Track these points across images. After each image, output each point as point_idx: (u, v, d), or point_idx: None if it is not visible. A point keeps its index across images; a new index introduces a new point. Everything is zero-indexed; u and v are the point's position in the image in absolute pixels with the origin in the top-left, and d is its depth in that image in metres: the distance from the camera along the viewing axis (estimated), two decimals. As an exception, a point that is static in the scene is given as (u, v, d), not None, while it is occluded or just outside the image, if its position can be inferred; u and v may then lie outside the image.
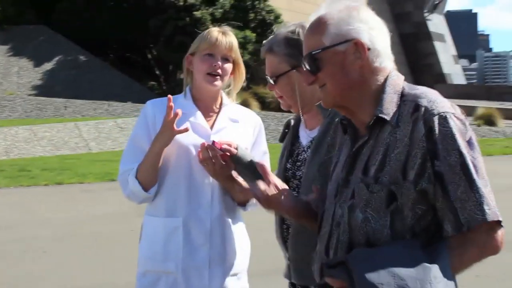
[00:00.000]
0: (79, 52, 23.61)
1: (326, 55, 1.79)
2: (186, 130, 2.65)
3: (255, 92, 22.63)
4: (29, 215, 9.00)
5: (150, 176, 2.69)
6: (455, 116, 1.73)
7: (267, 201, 1.94)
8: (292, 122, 2.69)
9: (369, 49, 1.78)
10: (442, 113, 1.72)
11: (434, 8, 42.59)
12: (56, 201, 10.08)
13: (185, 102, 2.78)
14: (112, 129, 16.75)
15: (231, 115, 2.82)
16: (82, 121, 16.72)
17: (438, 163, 1.68)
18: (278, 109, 21.72)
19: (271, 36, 2.57)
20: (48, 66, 23.00)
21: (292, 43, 2.50)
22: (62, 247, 7.16)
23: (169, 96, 2.68)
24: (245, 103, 20.10)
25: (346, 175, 1.83)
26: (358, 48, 1.78)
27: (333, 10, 1.82)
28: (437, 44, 41.51)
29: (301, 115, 2.62)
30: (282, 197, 1.95)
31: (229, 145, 2.57)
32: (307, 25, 2.55)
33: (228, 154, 2.57)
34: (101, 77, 23.13)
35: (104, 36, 24.14)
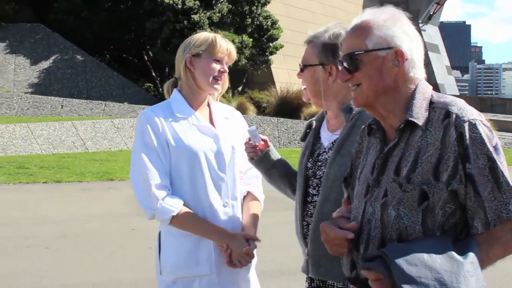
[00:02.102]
0: (76, 51, 23.62)
1: (367, 57, 1.92)
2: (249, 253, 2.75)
3: (251, 96, 22.74)
4: (29, 212, 9.05)
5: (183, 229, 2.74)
6: (483, 123, 1.87)
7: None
8: (314, 123, 2.81)
9: (407, 59, 1.91)
10: (471, 120, 1.85)
11: (428, 19, 42.88)
12: (56, 199, 10.13)
13: (181, 107, 2.83)
14: (108, 129, 16.80)
15: (221, 113, 2.95)
16: (79, 120, 16.76)
17: (469, 165, 1.82)
18: (273, 113, 21.85)
19: (321, 29, 2.70)
20: (44, 64, 23.00)
21: (328, 44, 2.63)
22: (62, 245, 7.22)
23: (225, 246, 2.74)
24: (241, 107, 20.18)
25: (377, 176, 1.95)
26: (398, 56, 1.91)
27: (378, 16, 1.94)
28: (431, 55, 41.80)
29: (326, 115, 2.75)
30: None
31: (265, 140, 2.84)
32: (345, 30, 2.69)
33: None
34: (98, 77, 23.15)
35: (101, 36, 24.16)
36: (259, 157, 2.84)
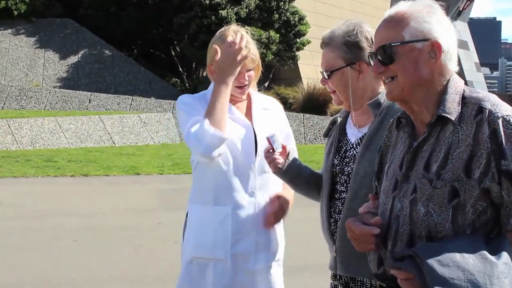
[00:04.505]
0: (104, 46, 23.80)
1: (403, 49, 1.88)
2: (246, 57, 2.78)
3: (277, 92, 22.69)
4: (57, 205, 9.14)
5: (224, 114, 2.76)
6: None
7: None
8: (339, 119, 2.76)
9: (444, 51, 1.87)
10: (506, 116, 1.81)
11: (458, 15, 42.40)
12: (83, 192, 10.23)
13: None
14: (135, 123, 16.91)
15: (260, 104, 2.97)
16: (106, 115, 16.89)
17: (505, 162, 1.77)
18: (300, 109, 21.77)
19: (330, 31, 2.65)
20: (73, 59, 23.21)
21: (349, 42, 2.58)
22: (89, 238, 7.28)
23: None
24: (267, 103, 20.14)
25: (406, 171, 1.91)
26: (434, 48, 1.87)
27: (414, 8, 1.90)
28: (460, 51, 41.35)
29: (351, 111, 2.71)
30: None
31: (284, 147, 2.74)
32: (364, 25, 2.64)
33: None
34: (125, 72, 23.31)
35: (129, 31, 24.30)
36: (282, 169, 2.77)
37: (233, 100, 2.92)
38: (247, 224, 2.85)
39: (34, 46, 23.26)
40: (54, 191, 10.26)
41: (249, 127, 2.87)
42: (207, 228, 2.85)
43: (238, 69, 2.79)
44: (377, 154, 2.19)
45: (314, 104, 20.68)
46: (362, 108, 2.66)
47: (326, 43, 2.66)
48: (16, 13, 23.52)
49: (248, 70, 2.88)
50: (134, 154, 14.12)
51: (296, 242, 6.04)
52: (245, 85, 2.89)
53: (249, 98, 2.97)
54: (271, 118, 2.95)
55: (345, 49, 2.59)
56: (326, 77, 2.65)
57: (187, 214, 2.97)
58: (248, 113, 2.93)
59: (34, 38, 23.49)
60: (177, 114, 2.98)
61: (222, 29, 2.92)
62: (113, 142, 16.06)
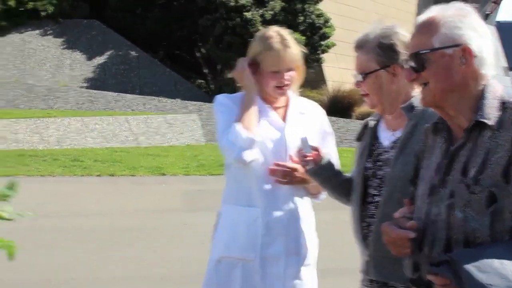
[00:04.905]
0: (130, 47, 23.97)
1: (434, 56, 1.87)
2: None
3: (302, 95, 22.65)
4: (84, 204, 9.23)
5: (254, 117, 2.82)
6: None
7: None
8: (371, 122, 2.76)
9: (475, 56, 1.86)
10: None
11: (485, 19, 42.00)
12: (109, 192, 10.31)
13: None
14: (161, 124, 17.01)
15: (298, 108, 2.97)
16: (132, 115, 17.02)
17: None
18: (327, 113, 21.73)
19: (364, 34, 2.64)
20: (99, 60, 23.42)
21: (384, 45, 2.57)
22: (115, 238, 7.34)
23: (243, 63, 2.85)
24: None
25: (443, 176, 1.91)
26: (465, 54, 1.86)
27: (445, 13, 1.89)
28: (487, 55, 40.95)
29: (384, 115, 2.70)
30: None
31: (317, 148, 2.74)
32: (398, 29, 2.63)
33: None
34: (151, 73, 23.46)
35: (155, 33, 24.45)
36: (313, 169, 2.78)
37: (272, 102, 2.92)
38: (277, 227, 2.85)
39: (61, 47, 23.50)
40: (80, 190, 10.37)
41: (282, 130, 2.88)
42: (238, 229, 2.87)
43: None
44: (412, 158, 2.19)
45: (339, 106, 20.61)
46: (396, 111, 2.65)
47: (360, 46, 2.66)
48: (43, 14, 23.80)
49: (288, 70, 2.88)
50: (160, 155, 14.20)
51: (326, 245, 6.02)
52: (285, 85, 2.88)
53: (288, 101, 2.97)
54: (306, 122, 2.95)
55: (379, 52, 2.58)
56: (360, 80, 2.64)
57: (218, 214, 2.99)
58: (285, 116, 2.95)
59: (61, 39, 23.74)
60: (214, 113, 3.00)
61: (264, 29, 2.93)
62: (138, 143, 16.16)
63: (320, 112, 3.07)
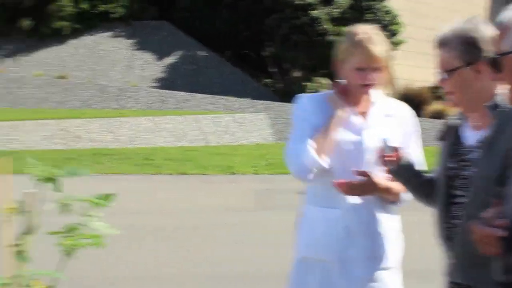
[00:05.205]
0: (199, 48, 24.32)
1: (506, 60, 1.85)
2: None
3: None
4: (157, 202, 9.42)
5: (329, 146, 2.78)
6: None
7: None
8: (454, 121, 2.71)
9: None
10: None
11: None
12: (180, 190, 10.49)
13: (336, 98, 2.88)
14: (229, 123, 17.18)
15: (383, 109, 2.90)
16: (201, 115, 17.25)
17: None
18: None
19: (446, 31, 2.59)
20: (169, 60, 23.86)
21: (467, 42, 2.52)
22: (186, 235, 7.44)
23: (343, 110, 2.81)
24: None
25: None
26: None
27: None
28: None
29: (468, 113, 2.65)
30: None
31: (397, 149, 2.68)
32: (481, 25, 2.58)
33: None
34: (219, 72, 23.73)
35: (222, 32, 24.72)
36: (394, 170, 2.75)
37: (356, 101, 2.89)
38: (357, 229, 2.83)
39: (132, 48, 24.06)
40: (152, 188, 10.58)
41: (360, 132, 2.84)
42: (317, 229, 2.86)
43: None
44: (499, 157, 2.14)
45: (409, 105, 20.22)
46: (480, 110, 2.60)
47: (443, 43, 2.61)
48: (114, 16, 24.43)
49: (375, 69, 2.84)
50: (229, 154, 14.35)
51: (410, 246, 5.94)
52: (369, 84, 2.84)
53: (372, 101, 2.93)
54: (390, 123, 2.91)
55: (463, 49, 2.52)
56: (444, 78, 2.60)
57: (300, 214, 3.00)
58: (369, 119, 2.90)
59: (132, 41, 24.30)
60: (292, 113, 3.01)
61: (353, 26, 2.91)
62: (207, 142, 16.38)
63: (407, 113, 3.00)
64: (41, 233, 2.00)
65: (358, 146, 2.83)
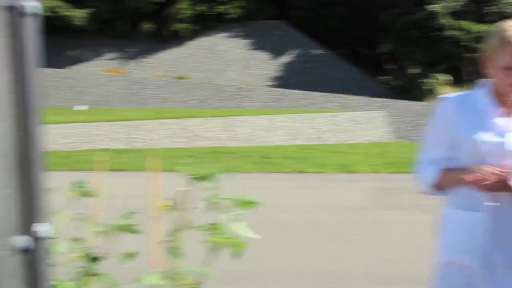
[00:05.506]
0: (314, 46, 24.35)
1: None
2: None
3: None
4: (276, 199, 9.54)
5: (445, 187, 2.80)
6: None
7: None
8: None
9: None
10: None
11: None
12: (299, 188, 10.56)
13: (482, 97, 2.79)
14: (346, 122, 17.09)
15: None
16: (317, 113, 17.26)
17: None
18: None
19: None
20: (284, 59, 24.06)
21: None
22: (305, 233, 7.49)
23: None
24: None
25: None
26: None
27: None
28: None
29: None
30: None
31: None
32: None
33: None
34: (334, 70, 23.65)
35: (337, 30, 24.62)
36: None
37: (503, 101, 2.79)
38: (500, 234, 2.73)
39: (248, 48, 24.47)
40: (272, 186, 10.72)
41: (502, 135, 2.73)
42: (459, 233, 2.78)
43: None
44: None
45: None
46: None
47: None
48: (231, 17, 24.95)
49: None
50: (347, 152, 14.28)
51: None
52: None
53: None
54: None
55: None
56: None
57: (442, 216, 2.94)
58: None
59: (248, 41, 24.71)
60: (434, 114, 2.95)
61: (500, 24, 2.81)
62: (323, 140, 16.37)
63: None
64: (189, 230, 2.09)
65: (500, 148, 2.73)
